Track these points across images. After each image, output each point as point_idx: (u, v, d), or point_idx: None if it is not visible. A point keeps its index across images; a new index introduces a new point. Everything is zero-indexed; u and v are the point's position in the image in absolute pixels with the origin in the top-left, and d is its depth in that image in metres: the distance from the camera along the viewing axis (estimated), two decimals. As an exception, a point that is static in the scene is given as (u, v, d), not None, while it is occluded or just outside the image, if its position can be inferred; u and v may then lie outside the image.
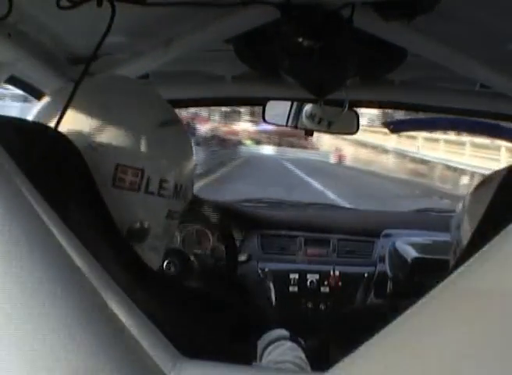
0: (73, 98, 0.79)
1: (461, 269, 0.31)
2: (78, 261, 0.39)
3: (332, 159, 28.13)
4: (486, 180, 1.01)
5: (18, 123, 0.75)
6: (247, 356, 0.78)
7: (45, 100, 0.88)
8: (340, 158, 27.67)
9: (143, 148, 0.79)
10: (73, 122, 0.76)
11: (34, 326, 0.31)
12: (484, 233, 0.89)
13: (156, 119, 0.82)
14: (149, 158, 0.79)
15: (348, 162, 26.65)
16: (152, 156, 0.80)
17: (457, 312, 0.29)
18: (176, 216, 0.87)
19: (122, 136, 0.78)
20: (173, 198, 0.83)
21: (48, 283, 0.33)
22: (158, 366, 0.38)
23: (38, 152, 0.66)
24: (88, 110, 0.78)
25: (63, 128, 0.75)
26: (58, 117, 0.76)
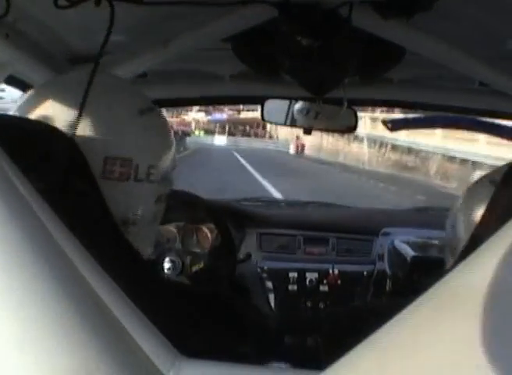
0: (52, 97, 0.80)
1: (459, 267, 0.31)
2: (76, 260, 0.38)
3: (292, 149, 25.36)
4: (483, 178, 1.01)
5: (10, 119, 0.75)
6: (246, 355, 0.78)
7: (30, 93, 0.88)
8: (301, 148, 24.79)
9: (127, 137, 0.80)
10: (56, 119, 0.76)
11: (32, 327, 0.31)
12: (484, 232, 0.90)
13: (134, 108, 0.82)
14: (134, 146, 0.80)
15: (311, 152, 23.46)
16: (137, 144, 0.81)
17: (455, 311, 0.29)
18: (164, 199, 0.89)
19: (105, 128, 0.78)
20: (161, 183, 0.85)
21: (47, 283, 0.33)
22: (157, 365, 0.37)
23: (33, 147, 0.66)
24: (67, 107, 0.78)
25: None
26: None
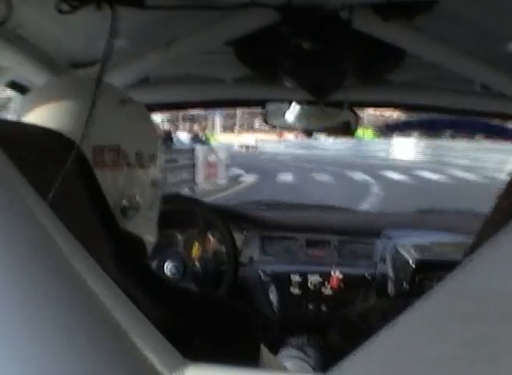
0: (43, 99, 0.83)
1: (460, 268, 0.31)
2: (77, 262, 0.39)
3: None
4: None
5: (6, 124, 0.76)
6: (250, 358, 0.78)
7: (28, 96, 0.89)
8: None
9: (112, 125, 0.84)
10: (51, 122, 0.79)
11: (33, 329, 0.32)
12: (486, 234, 0.90)
13: (115, 99, 0.86)
14: (120, 134, 0.84)
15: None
16: (122, 132, 0.84)
17: (457, 313, 0.29)
18: (159, 184, 0.93)
19: (90, 119, 0.81)
20: (152, 167, 0.89)
21: (47, 286, 0.33)
22: (160, 369, 0.37)
23: (27, 147, 0.67)
24: (58, 108, 0.81)
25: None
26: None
